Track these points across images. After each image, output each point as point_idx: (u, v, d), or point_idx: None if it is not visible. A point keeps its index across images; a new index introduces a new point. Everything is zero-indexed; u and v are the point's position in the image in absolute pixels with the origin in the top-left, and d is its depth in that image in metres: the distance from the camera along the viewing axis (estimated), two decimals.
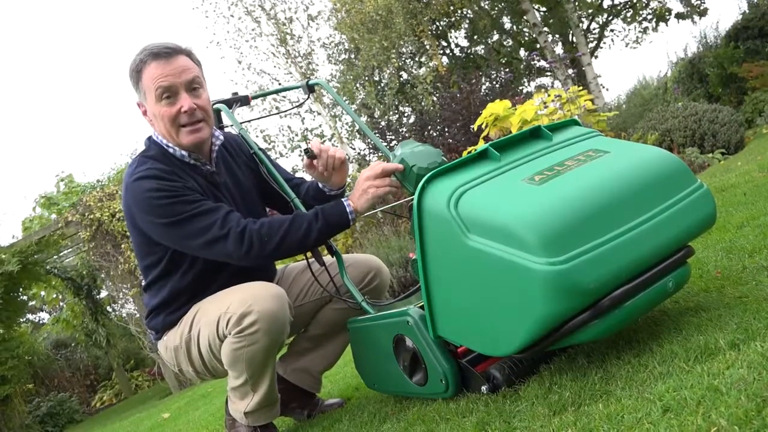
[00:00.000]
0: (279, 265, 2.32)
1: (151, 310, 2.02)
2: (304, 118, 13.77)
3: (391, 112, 12.13)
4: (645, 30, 14.49)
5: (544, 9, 13.95)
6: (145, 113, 1.95)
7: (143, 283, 2.04)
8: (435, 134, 8.99)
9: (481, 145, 1.75)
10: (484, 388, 1.59)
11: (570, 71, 12.57)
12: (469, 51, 15.12)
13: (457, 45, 15.22)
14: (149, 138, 1.99)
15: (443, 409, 1.62)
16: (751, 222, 2.31)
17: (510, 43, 15.12)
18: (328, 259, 2.07)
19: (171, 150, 1.94)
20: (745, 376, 1.11)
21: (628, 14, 14.23)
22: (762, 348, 1.20)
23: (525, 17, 12.83)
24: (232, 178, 2.06)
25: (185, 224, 1.79)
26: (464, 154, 3.98)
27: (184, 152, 1.94)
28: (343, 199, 1.86)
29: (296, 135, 13.73)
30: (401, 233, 6.69)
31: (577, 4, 13.56)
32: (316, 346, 2.22)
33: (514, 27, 14.57)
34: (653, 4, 13.86)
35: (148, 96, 1.88)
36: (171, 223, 1.79)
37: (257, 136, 13.32)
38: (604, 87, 11.84)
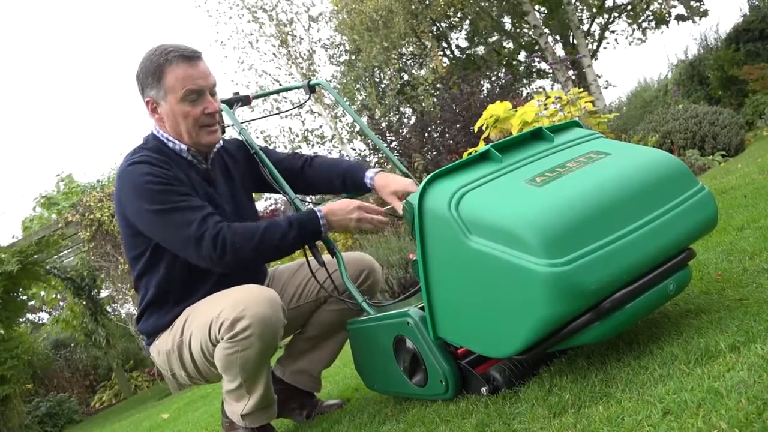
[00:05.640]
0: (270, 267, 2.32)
1: (142, 311, 2.01)
2: (304, 119, 13.78)
3: (391, 113, 12.13)
4: (644, 32, 14.51)
5: (544, 10, 13.97)
6: (154, 110, 1.95)
7: (133, 277, 2.04)
8: (435, 135, 8.99)
9: (482, 147, 1.75)
10: (484, 389, 1.59)
11: (570, 73, 12.58)
12: (469, 52, 15.13)
13: (457, 46, 15.23)
14: (149, 133, 2.01)
15: (443, 410, 1.62)
16: (752, 224, 2.31)
17: (510, 45, 15.13)
18: (326, 258, 2.06)
19: (171, 144, 1.96)
20: (746, 379, 1.11)
21: (630, 15, 14.25)
22: (762, 350, 1.20)
23: (525, 18, 12.84)
24: (226, 180, 2.07)
25: (170, 214, 1.79)
26: (465, 156, 3.98)
27: (183, 147, 1.96)
28: (317, 210, 1.88)
29: (296, 136, 13.74)
30: (401, 234, 6.68)
31: (577, 4, 13.57)
32: (313, 347, 2.22)
33: (515, 28, 14.57)
34: (654, 6, 13.88)
35: (170, 95, 1.90)
36: (157, 211, 1.80)
37: (257, 137, 13.33)
38: (611, 84, 11.80)
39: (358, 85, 13.05)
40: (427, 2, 11.97)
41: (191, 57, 1.90)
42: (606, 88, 11.76)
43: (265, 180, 2.12)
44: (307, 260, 2.04)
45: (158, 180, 1.81)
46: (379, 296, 2.26)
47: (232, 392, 1.89)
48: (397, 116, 11.87)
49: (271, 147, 12.77)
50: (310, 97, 2.42)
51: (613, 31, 14.77)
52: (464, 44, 15.30)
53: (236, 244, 1.77)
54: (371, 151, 10.28)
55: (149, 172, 1.82)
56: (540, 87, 14.88)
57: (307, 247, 1.99)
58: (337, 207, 1.90)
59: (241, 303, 1.74)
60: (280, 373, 2.24)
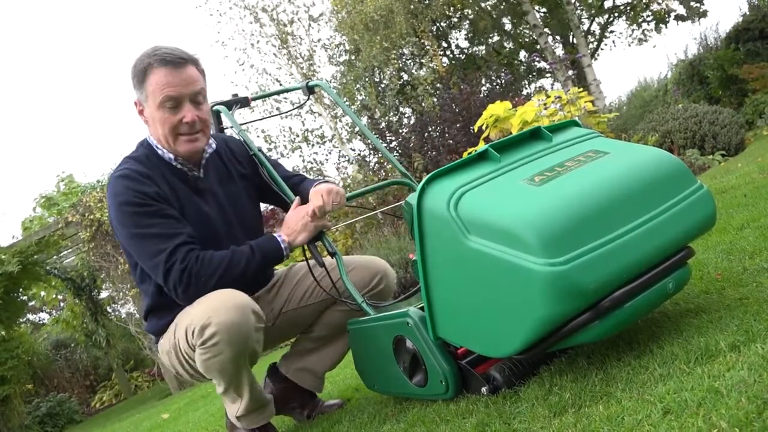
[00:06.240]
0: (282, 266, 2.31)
1: (145, 313, 2.04)
2: (304, 120, 13.78)
3: (391, 113, 12.13)
4: (644, 33, 14.52)
5: (544, 10, 13.97)
6: (141, 112, 1.97)
7: (134, 281, 2.06)
8: (435, 135, 8.98)
9: (481, 146, 1.75)
10: (484, 389, 1.59)
11: (570, 72, 12.58)
12: (469, 52, 15.13)
13: (457, 46, 15.23)
14: (143, 139, 2.01)
15: (443, 410, 1.62)
16: (752, 223, 2.31)
17: (510, 45, 15.14)
18: (328, 260, 2.06)
19: (160, 152, 1.96)
20: (746, 378, 1.11)
21: (630, 15, 14.26)
22: (762, 350, 1.20)
23: (525, 18, 12.84)
24: (221, 186, 2.06)
25: (142, 239, 1.82)
26: (464, 155, 3.98)
27: (171, 155, 1.95)
28: (276, 235, 1.93)
29: (297, 136, 13.74)
30: (401, 234, 6.68)
31: (577, 4, 13.58)
32: (319, 346, 2.22)
33: (515, 28, 14.58)
34: (654, 6, 13.88)
35: (150, 99, 1.89)
36: (131, 234, 1.83)
37: (258, 137, 13.33)
38: (602, 93, 11.84)
39: (357, 85, 13.05)
40: (427, 2, 11.97)
41: (175, 62, 1.86)
42: None
43: (265, 186, 2.11)
44: (308, 263, 2.04)
45: (134, 201, 1.82)
46: None
47: (225, 395, 1.91)
48: (397, 116, 11.88)
49: (271, 147, 12.72)
50: (309, 98, 2.42)
51: (612, 32, 14.78)
52: (464, 44, 15.31)
53: (201, 277, 1.80)
54: (370, 152, 10.26)
55: (126, 191, 1.83)
56: (540, 86, 14.89)
57: (307, 248, 1.99)
58: (290, 220, 1.95)
59: (209, 310, 1.74)
60: (284, 370, 2.24)
